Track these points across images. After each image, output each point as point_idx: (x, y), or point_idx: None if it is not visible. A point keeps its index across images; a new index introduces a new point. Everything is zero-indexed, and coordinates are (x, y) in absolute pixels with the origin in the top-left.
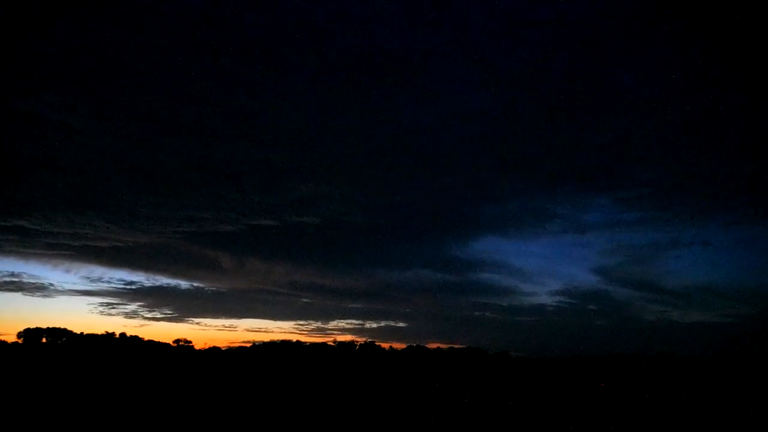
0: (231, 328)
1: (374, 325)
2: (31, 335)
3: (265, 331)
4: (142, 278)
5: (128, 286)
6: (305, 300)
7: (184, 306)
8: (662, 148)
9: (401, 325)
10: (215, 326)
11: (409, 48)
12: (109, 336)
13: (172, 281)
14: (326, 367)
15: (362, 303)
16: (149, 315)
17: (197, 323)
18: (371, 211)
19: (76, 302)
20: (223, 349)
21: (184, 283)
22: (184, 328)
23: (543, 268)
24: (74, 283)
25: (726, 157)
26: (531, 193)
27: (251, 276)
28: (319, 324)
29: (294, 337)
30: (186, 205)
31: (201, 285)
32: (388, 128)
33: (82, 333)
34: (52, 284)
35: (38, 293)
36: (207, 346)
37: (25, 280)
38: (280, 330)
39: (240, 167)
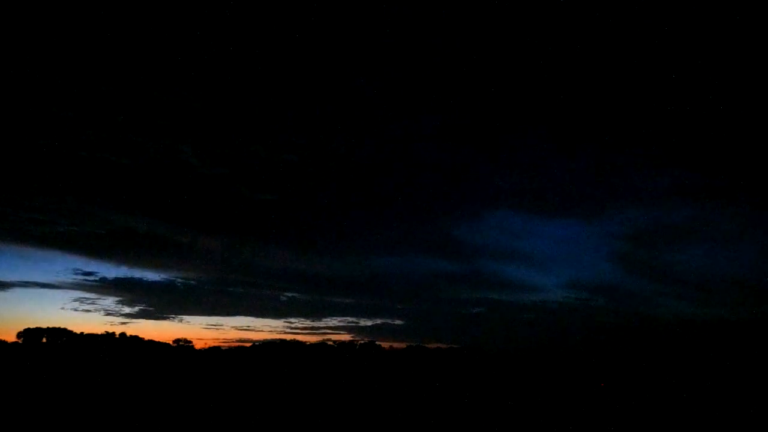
0: (217, 326)
1: (369, 323)
2: (30, 335)
3: (253, 330)
4: (100, 268)
5: (88, 278)
6: (289, 294)
7: (160, 301)
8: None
9: (398, 322)
10: (200, 324)
11: None
12: (110, 336)
13: (137, 272)
14: (328, 367)
15: (354, 298)
16: (127, 311)
17: (179, 320)
18: (348, 184)
19: (38, 296)
20: (224, 348)
21: (150, 274)
22: (175, 326)
23: (555, 254)
24: (31, 276)
25: None
26: (544, 148)
27: (220, 266)
28: (309, 322)
29: (284, 336)
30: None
31: (168, 276)
32: (370, 72)
33: (82, 333)
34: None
35: None
36: (207, 346)
37: None
38: (269, 328)
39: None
